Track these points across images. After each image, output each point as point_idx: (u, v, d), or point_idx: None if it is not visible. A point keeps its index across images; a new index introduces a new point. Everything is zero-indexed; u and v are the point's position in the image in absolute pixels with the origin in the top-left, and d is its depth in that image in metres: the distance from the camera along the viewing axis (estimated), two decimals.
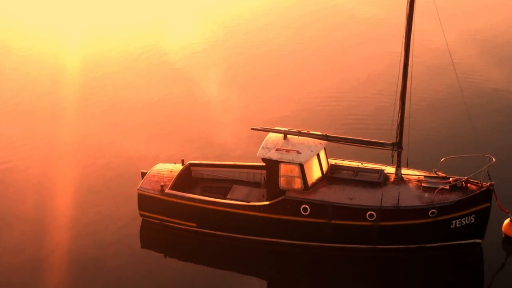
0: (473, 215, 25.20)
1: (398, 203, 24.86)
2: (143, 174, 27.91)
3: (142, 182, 27.26)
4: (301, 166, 25.09)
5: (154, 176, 27.51)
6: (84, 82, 43.02)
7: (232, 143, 34.02)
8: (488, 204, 25.07)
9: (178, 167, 28.21)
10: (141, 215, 27.30)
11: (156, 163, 28.99)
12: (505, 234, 26.33)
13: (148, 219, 27.25)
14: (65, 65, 46.02)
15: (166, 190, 26.52)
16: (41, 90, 41.81)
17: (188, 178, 28.30)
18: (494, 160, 25.60)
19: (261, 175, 28.06)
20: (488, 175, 25.28)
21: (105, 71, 44.49)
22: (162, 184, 26.74)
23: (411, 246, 25.74)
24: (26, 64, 46.30)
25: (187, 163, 28.49)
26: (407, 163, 26.83)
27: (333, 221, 25.21)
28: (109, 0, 61.25)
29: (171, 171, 27.81)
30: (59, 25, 55.03)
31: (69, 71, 44.91)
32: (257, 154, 25.50)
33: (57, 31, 53.36)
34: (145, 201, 26.95)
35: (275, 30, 50.96)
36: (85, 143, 34.69)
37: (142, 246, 26.57)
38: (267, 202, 25.59)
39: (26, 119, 37.80)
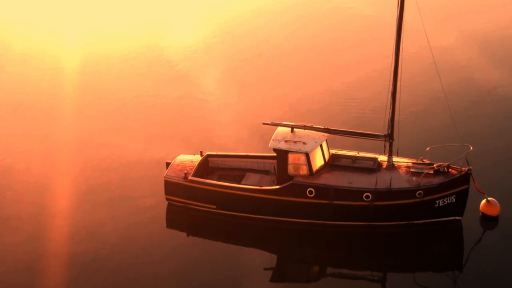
0: (454, 196, 28.04)
1: (390, 185, 27.75)
2: (168, 164, 30.79)
3: (168, 171, 30.12)
4: (307, 155, 28.06)
5: (177, 165, 30.45)
6: (85, 82, 43.83)
7: (239, 137, 36.47)
8: (466, 186, 27.95)
9: (198, 157, 31.11)
10: (167, 199, 30.21)
11: (178, 155, 31.78)
12: (482, 213, 29.22)
13: (173, 202, 30.17)
14: (66, 65, 46.74)
15: (189, 177, 29.44)
16: (41, 90, 42.63)
17: (206, 167, 31.23)
18: (471, 148, 28.47)
19: (270, 164, 30.99)
20: (467, 161, 28.16)
21: (106, 71, 45.43)
22: (185, 172, 29.66)
23: (401, 222, 28.56)
24: (25, 64, 46.90)
25: (205, 154, 31.32)
26: (397, 152, 29.70)
27: (334, 202, 28.11)
28: (109, 2, 61.45)
29: (191, 161, 30.78)
30: (58, 25, 55.25)
31: (70, 71, 45.76)
32: (269, 145, 28.46)
33: (56, 32, 53.66)
34: (171, 187, 29.83)
35: (273, 30, 52.22)
36: (95, 141, 36.47)
37: (168, 226, 29.29)
38: (278, 186, 28.52)
39: (30, 120, 38.81)
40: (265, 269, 26.80)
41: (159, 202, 30.72)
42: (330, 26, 53.12)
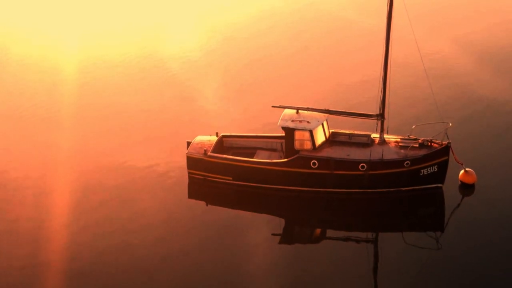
0: (436, 166, 31.58)
1: (382, 157, 31.36)
2: (188, 143, 34.38)
3: (189, 149, 33.70)
4: (311, 132, 31.79)
5: (197, 144, 34.09)
6: (84, 87, 45.50)
7: (250, 120, 39.78)
8: (446, 157, 31.52)
9: (214, 138, 34.71)
10: (189, 173, 33.79)
11: (196, 135, 35.40)
12: (461, 181, 32.65)
13: (194, 175, 33.75)
14: (65, 70, 48.23)
15: (209, 153, 33.11)
16: (40, 95, 44.12)
17: (221, 146, 34.86)
18: (450, 124, 32.16)
19: (277, 143, 34.59)
20: (447, 136, 31.84)
21: (105, 76, 47.18)
22: (204, 149, 33.27)
23: (391, 189, 32.11)
24: (23, 70, 48.19)
25: (220, 135, 34.90)
26: (388, 129, 33.27)
27: (335, 172, 31.72)
28: (107, 7, 62.99)
29: (209, 140, 34.40)
30: (57, 31, 56.67)
31: (69, 76, 47.37)
32: (278, 124, 32.24)
33: (55, 37, 55.10)
34: (192, 162, 33.43)
35: (271, 35, 54.82)
36: (113, 133, 39.28)
37: (189, 197, 32.70)
38: (286, 160, 32.19)
39: (28, 125, 40.29)
40: (274, 233, 29.99)
41: (181, 176, 34.14)
42: (325, 30, 55.71)
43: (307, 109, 33.14)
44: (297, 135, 32.04)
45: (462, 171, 32.88)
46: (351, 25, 56.59)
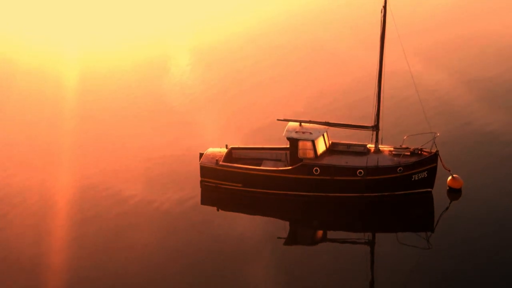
0: (426, 172, 34.12)
1: (377, 164, 33.97)
2: (201, 154, 37.09)
3: (202, 159, 36.37)
4: (313, 142, 34.48)
5: (209, 155, 36.76)
6: (89, 97, 47.74)
7: (257, 133, 42.56)
8: (435, 164, 34.12)
9: (224, 149, 37.34)
10: (202, 181, 36.35)
11: (208, 148, 37.64)
12: (449, 186, 34.99)
13: (207, 183, 36.27)
14: (67, 85, 50.37)
15: (220, 162, 35.84)
16: (46, 109, 46.37)
17: (230, 157, 37.44)
18: (438, 134, 34.87)
19: (281, 154, 37.13)
20: (435, 145, 34.36)
21: (107, 88, 49.50)
22: (216, 159, 36.00)
23: (386, 193, 34.52)
24: (27, 87, 50.27)
25: (229, 147, 37.53)
26: (382, 140, 35.60)
27: (335, 178, 34.29)
28: (107, 30, 65.06)
29: (219, 152, 37.08)
30: (61, 46, 58.80)
31: (72, 90, 49.55)
32: (283, 135, 34.96)
33: (58, 53, 57.13)
34: (205, 171, 36.04)
35: (273, 55, 57.39)
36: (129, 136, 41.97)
37: (202, 203, 35.13)
38: (290, 167, 34.84)
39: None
40: (279, 235, 32.13)
41: (194, 184, 36.54)
42: (324, 50, 58.50)
43: (309, 122, 35.85)
44: (301, 144, 34.69)
45: (449, 177, 35.26)
46: (346, 47, 59.14)
